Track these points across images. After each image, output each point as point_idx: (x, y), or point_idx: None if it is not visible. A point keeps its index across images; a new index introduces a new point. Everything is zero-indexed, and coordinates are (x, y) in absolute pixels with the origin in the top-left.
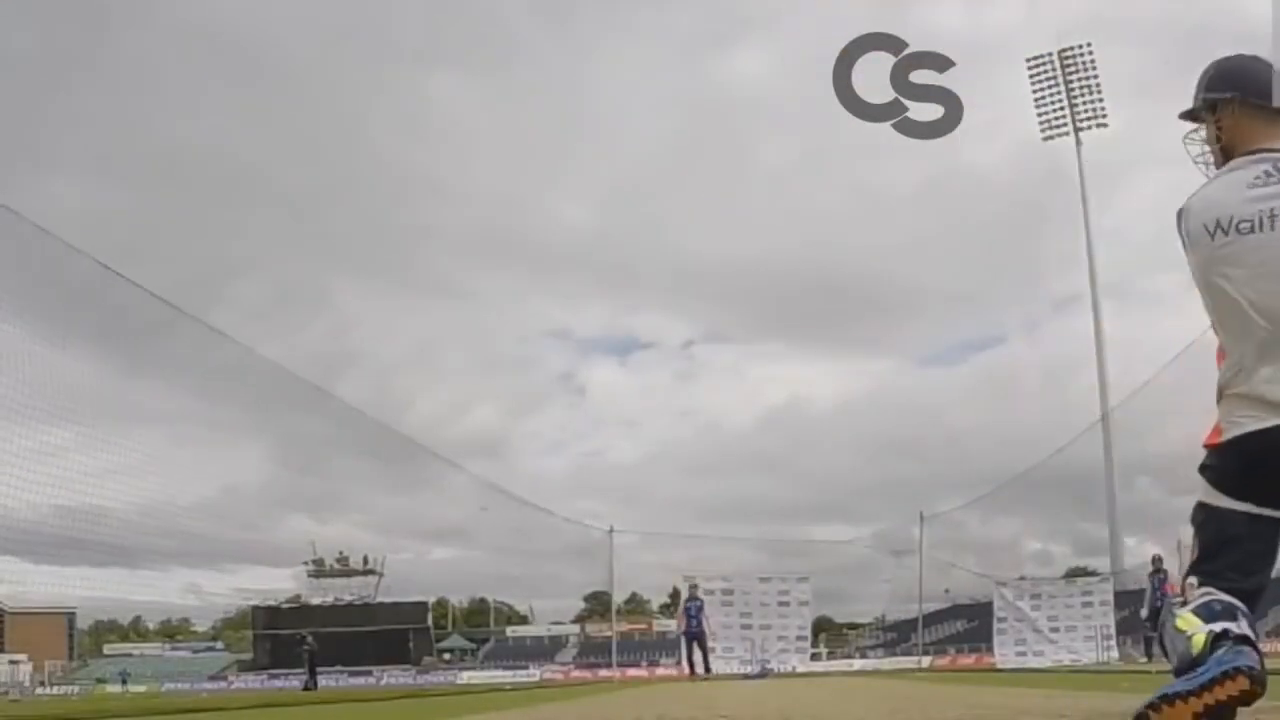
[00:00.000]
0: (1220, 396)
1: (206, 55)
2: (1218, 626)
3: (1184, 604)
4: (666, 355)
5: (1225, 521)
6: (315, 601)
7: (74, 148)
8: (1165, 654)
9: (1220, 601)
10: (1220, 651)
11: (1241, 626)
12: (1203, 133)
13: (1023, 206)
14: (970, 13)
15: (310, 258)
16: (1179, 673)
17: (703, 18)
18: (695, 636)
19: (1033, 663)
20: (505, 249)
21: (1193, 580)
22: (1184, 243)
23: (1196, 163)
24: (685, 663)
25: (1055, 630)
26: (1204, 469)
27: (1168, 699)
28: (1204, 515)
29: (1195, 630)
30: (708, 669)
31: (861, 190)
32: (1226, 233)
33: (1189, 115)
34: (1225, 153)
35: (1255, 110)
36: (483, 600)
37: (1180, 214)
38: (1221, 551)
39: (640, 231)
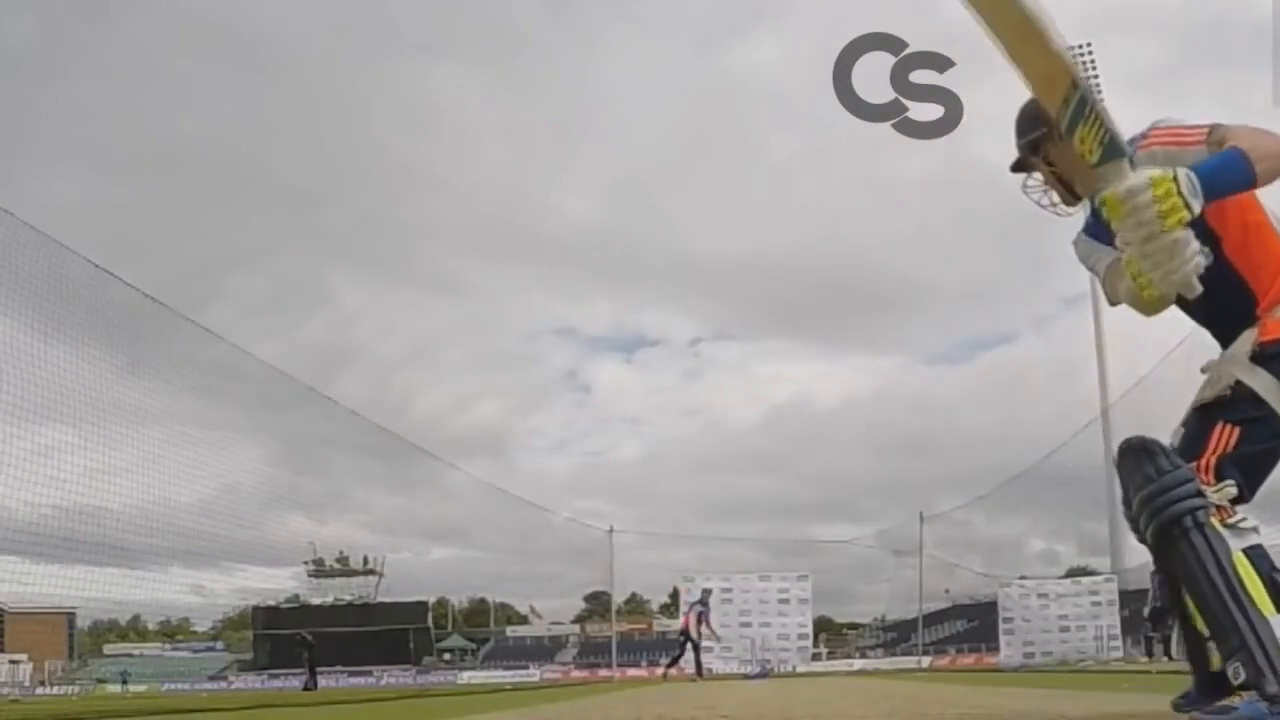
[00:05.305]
0: None
1: (206, 47)
2: None
3: (1217, 510)
4: (673, 353)
5: (1276, 431)
6: (315, 601)
7: (72, 141)
8: (1166, 652)
9: (1269, 559)
10: None
11: None
12: (1036, 179)
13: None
14: None
15: (311, 252)
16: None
17: (711, 7)
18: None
19: (1039, 662)
20: (509, 244)
21: (1233, 489)
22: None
23: (1044, 208)
24: (693, 665)
25: (1065, 630)
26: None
27: None
28: (1259, 413)
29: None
30: (700, 671)
31: (869, 184)
32: None
33: (1019, 167)
34: (1065, 184)
35: None
36: (483, 600)
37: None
38: (1264, 465)
39: (646, 226)
